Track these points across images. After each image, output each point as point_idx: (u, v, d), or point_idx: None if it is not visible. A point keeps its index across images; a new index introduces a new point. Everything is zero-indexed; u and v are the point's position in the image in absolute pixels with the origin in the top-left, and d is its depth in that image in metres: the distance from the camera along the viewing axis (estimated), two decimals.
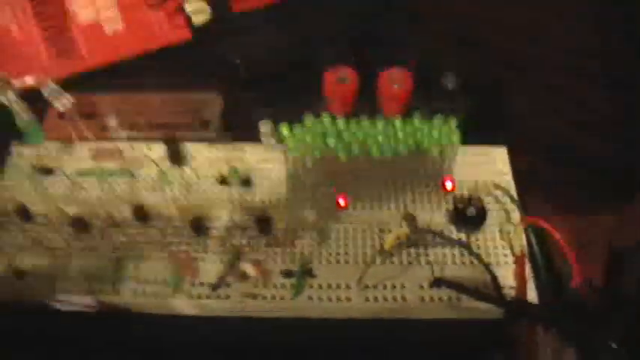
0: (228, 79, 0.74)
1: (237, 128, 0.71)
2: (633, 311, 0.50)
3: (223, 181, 0.66)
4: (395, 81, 0.67)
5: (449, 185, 0.62)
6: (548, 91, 0.77)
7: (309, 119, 0.63)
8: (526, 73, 0.77)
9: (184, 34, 0.73)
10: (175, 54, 0.73)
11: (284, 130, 0.61)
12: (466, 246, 0.60)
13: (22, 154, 0.65)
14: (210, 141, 0.70)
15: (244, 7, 0.75)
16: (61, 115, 0.66)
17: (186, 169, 0.68)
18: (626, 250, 0.57)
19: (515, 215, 0.64)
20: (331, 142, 0.61)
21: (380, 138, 0.61)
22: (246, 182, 0.67)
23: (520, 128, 0.70)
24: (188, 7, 0.74)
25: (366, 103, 0.70)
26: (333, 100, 0.67)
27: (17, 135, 0.64)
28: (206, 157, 0.70)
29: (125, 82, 0.72)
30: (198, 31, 0.75)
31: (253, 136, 0.69)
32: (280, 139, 0.62)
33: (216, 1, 0.75)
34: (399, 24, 0.79)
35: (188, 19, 0.74)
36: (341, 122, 0.62)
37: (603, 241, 0.59)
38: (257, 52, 0.74)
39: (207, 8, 0.75)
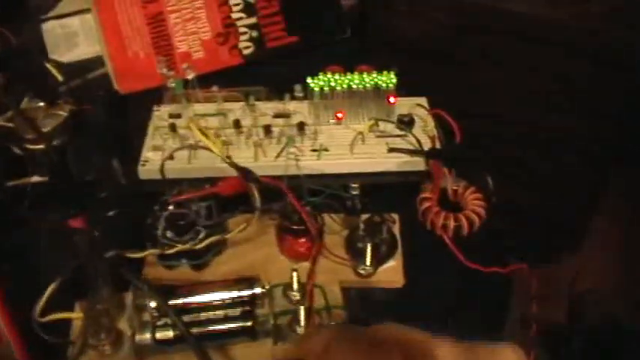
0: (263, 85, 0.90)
1: None
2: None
3: None
4: None
5: (392, 100, 0.83)
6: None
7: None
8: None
9: (238, 61, 0.97)
10: (233, 72, 0.95)
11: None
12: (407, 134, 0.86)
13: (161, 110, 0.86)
14: None
15: (273, 45, 1.03)
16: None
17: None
18: (582, 296, 0.60)
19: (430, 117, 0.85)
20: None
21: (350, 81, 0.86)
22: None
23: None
24: (240, 45, 0.95)
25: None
26: None
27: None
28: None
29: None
30: (247, 58, 0.97)
31: None
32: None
33: (257, 41, 1.01)
34: None
35: (240, 51, 0.96)
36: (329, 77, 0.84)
37: (564, 290, 0.64)
38: (282, 75, 0.94)
39: (252, 45, 1.02)
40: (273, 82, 0.87)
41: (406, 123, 0.84)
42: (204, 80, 0.82)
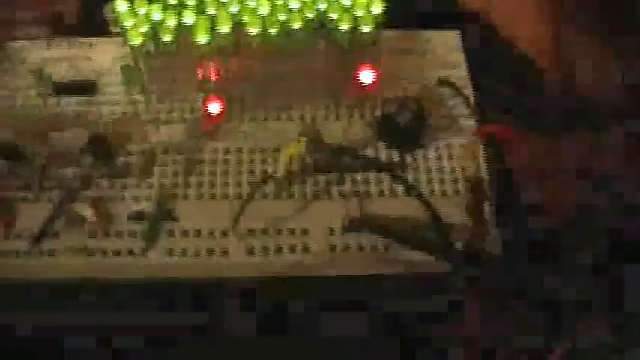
0: None
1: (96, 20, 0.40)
2: (603, 243, 0.35)
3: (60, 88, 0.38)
4: None
5: (366, 77, 0.34)
6: None
7: None
8: None
9: None
10: None
11: (119, 5, 0.34)
12: (395, 171, 0.34)
13: None
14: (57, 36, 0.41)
15: None
16: None
17: (8, 75, 0.40)
18: (595, 179, 0.38)
19: (469, 124, 0.36)
20: (189, 18, 0.33)
21: (262, 10, 0.33)
22: (89, 89, 0.38)
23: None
24: None
25: None
26: None
27: None
28: (41, 58, 0.40)
29: None
30: None
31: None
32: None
33: None
34: None
35: None
36: None
37: (570, 169, 0.39)
38: None
39: None
40: None
41: (404, 131, 0.36)
42: None
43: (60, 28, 0.41)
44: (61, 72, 0.39)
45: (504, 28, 0.39)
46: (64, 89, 0.37)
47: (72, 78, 0.38)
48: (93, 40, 0.41)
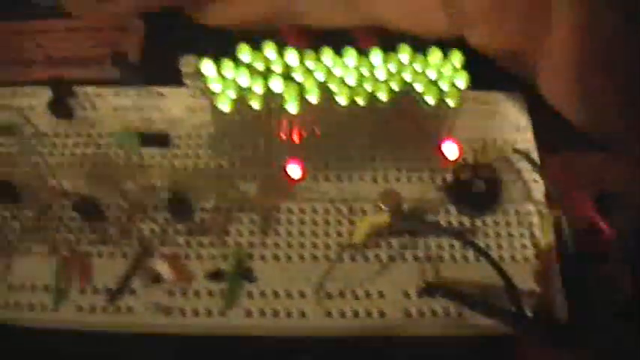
0: None
1: (161, 67, 0.41)
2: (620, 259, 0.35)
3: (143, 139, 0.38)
4: None
5: (450, 151, 0.36)
6: None
7: (244, 51, 0.34)
8: None
9: None
10: None
11: (206, 67, 0.33)
12: (468, 239, 0.35)
13: None
14: (121, 82, 0.41)
15: None
16: None
17: (79, 123, 0.40)
18: (614, 194, 0.38)
19: (539, 190, 0.37)
20: (276, 85, 0.33)
21: (349, 79, 0.33)
22: (162, 141, 0.38)
23: None
24: None
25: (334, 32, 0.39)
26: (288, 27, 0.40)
27: None
28: (110, 106, 0.40)
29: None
30: None
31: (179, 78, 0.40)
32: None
33: None
34: None
35: None
36: (291, 55, 0.34)
37: (590, 184, 0.39)
38: None
39: None
40: None
41: (476, 198, 0.37)
42: None
43: (124, 70, 0.40)
44: (134, 122, 0.38)
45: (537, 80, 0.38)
46: (145, 141, 0.36)
47: (145, 129, 0.38)
48: (163, 89, 0.40)
